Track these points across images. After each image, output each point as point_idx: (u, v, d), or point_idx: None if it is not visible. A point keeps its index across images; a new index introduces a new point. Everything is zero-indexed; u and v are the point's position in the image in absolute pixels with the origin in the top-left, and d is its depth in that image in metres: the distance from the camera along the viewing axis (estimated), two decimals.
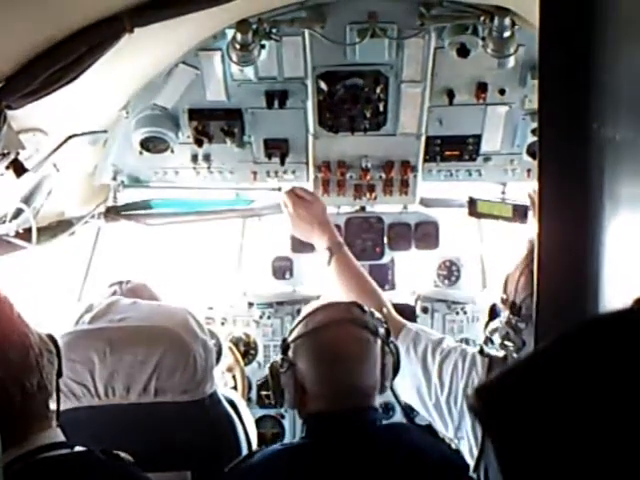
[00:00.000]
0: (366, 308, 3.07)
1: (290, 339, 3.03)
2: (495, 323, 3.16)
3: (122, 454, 2.52)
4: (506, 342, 3.07)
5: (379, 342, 2.97)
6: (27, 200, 3.50)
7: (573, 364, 1.05)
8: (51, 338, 2.43)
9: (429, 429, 3.07)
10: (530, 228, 4.25)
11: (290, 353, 3.00)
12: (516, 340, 3.03)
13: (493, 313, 3.19)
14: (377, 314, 3.08)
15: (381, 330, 3.01)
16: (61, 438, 2.39)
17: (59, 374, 2.43)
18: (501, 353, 3.11)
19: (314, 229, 4.01)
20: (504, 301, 3.14)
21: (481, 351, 3.22)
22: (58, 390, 2.43)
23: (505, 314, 3.12)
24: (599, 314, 1.19)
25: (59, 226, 4.11)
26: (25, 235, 3.61)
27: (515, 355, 3.07)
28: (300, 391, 2.97)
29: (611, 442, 1.00)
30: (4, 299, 2.28)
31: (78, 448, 2.40)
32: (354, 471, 2.77)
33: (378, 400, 3.00)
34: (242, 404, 3.67)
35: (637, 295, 1.10)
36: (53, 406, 2.42)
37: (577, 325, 1.10)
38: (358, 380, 2.92)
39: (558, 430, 1.04)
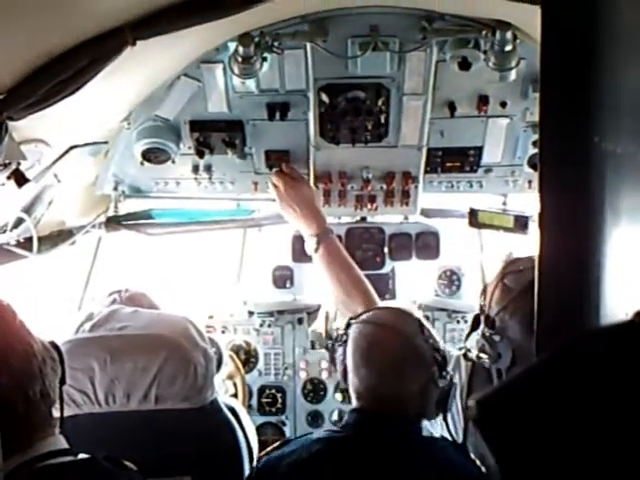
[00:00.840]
0: (428, 331, 3.14)
1: (353, 320, 3.19)
2: (474, 335, 3.18)
3: (126, 462, 2.53)
4: (481, 354, 3.09)
5: (422, 366, 3.03)
6: (28, 210, 3.51)
7: (571, 378, 1.05)
8: (54, 346, 2.43)
9: (460, 447, 3.08)
10: (531, 239, 4.27)
11: (349, 331, 3.14)
12: (491, 353, 3.05)
13: (476, 324, 3.20)
14: (440, 344, 3.14)
15: (428, 356, 3.05)
16: (64, 445, 2.40)
17: (62, 382, 2.43)
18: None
19: (303, 212, 4.11)
20: (481, 313, 3.17)
21: (465, 355, 3.23)
22: (62, 398, 2.43)
23: (481, 326, 3.14)
24: (599, 327, 1.18)
25: (60, 236, 4.12)
26: (26, 244, 3.62)
27: (489, 366, 3.10)
28: (344, 370, 3.13)
29: (607, 453, 1.00)
30: (7, 307, 2.28)
31: (82, 455, 2.41)
32: (385, 474, 2.83)
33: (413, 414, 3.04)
34: (243, 411, 3.68)
35: (638, 307, 1.10)
36: (56, 414, 2.42)
37: (576, 338, 1.11)
38: (387, 392, 2.99)
39: (556, 442, 1.05)
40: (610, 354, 1.03)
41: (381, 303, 3.76)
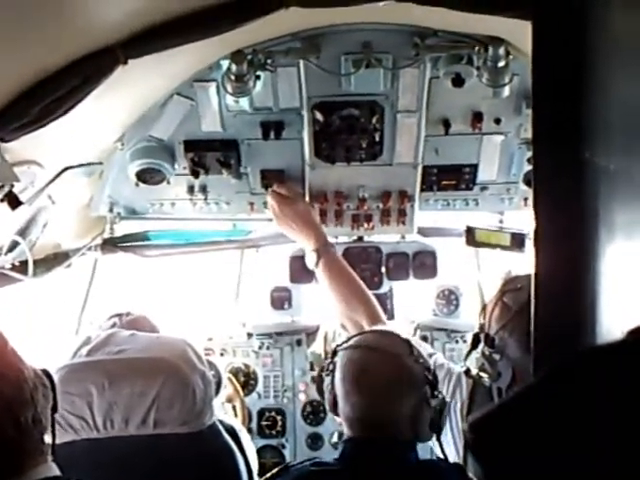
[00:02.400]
0: (418, 351, 3.08)
1: (339, 347, 3.13)
2: (474, 353, 3.16)
3: None
4: (481, 373, 3.07)
5: (414, 387, 2.97)
6: (22, 233, 3.49)
7: (563, 400, 1.04)
8: (46, 373, 2.41)
9: (459, 468, 3.06)
10: (528, 256, 4.26)
11: (336, 359, 3.08)
12: (491, 372, 3.03)
13: (475, 342, 3.18)
14: (429, 363, 3.11)
15: (419, 377, 3.00)
16: (56, 473, 2.36)
17: (54, 409, 2.41)
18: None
19: (300, 228, 4.12)
20: (481, 331, 3.15)
21: (467, 372, 3.21)
22: (53, 425, 2.41)
23: (481, 345, 3.12)
24: (591, 347, 1.17)
25: (55, 258, 4.09)
26: (21, 268, 3.60)
27: (490, 385, 3.07)
28: (333, 399, 3.07)
29: (602, 475, 0.98)
30: None
31: None
32: None
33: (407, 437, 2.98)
34: (243, 432, 3.65)
35: (630, 326, 1.09)
36: (48, 440, 2.39)
37: (567, 360, 1.09)
38: (379, 415, 2.94)
39: (550, 464, 1.03)
40: (603, 375, 1.02)
41: (369, 327, 3.71)
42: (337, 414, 3.07)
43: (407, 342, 3.08)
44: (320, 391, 3.23)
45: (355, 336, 3.21)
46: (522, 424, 1.08)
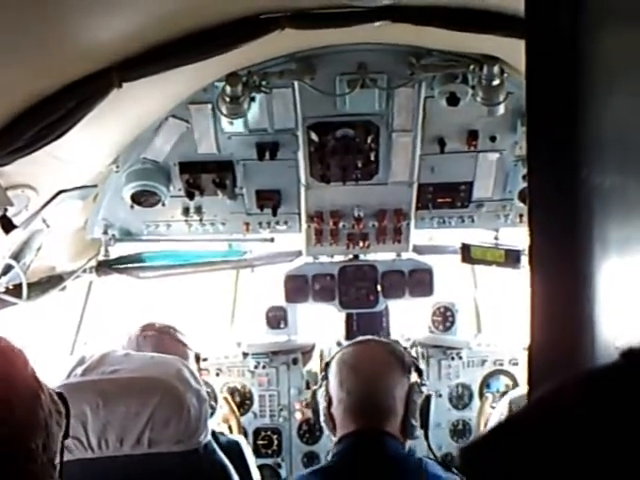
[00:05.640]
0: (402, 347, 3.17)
1: (332, 359, 3.17)
2: None
3: None
4: None
5: (405, 374, 3.03)
6: (17, 256, 3.47)
7: (554, 426, 1.03)
8: (62, 398, 2.38)
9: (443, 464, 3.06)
10: (523, 273, 4.25)
11: (329, 368, 3.12)
12: None
13: None
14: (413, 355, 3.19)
15: (410, 365, 3.07)
16: None
17: (65, 435, 2.39)
18: None
19: None
20: None
21: None
22: (62, 450, 2.39)
23: None
24: (581, 372, 1.16)
25: (50, 281, 4.08)
26: (15, 291, 3.58)
27: None
28: (328, 403, 3.07)
29: None
30: (19, 354, 2.23)
31: None
32: None
33: (398, 430, 2.99)
34: (247, 449, 3.64)
35: (622, 348, 1.08)
36: (57, 463, 2.38)
37: (558, 385, 1.08)
38: (375, 395, 2.96)
39: None
40: (594, 401, 1.01)
41: None
42: (333, 422, 3.07)
43: (393, 340, 3.16)
44: (314, 408, 3.21)
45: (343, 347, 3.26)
46: (514, 450, 1.06)
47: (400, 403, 2.97)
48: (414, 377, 3.05)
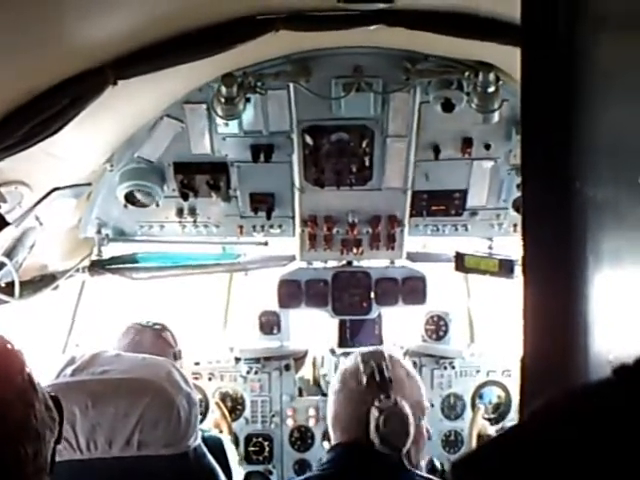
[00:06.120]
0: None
1: None
2: None
3: None
4: None
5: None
6: (9, 254, 3.47)
7: (547, 441, 1.02)
8: (56, 402, 2.37)
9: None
10: (517, 283, 4.25)
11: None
12: None
13: None
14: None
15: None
16: None
17: (58, 441, 2.37)
18: None
19: None
20: None
21: None
22: (54, 456, 2.37)
23: None
24: (574, 387, 1.16)
25: (42, 280, 4.07)
26: (7, 289, 3.57)
27: None
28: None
29: None
30: (14, 357, 2.18)
31: None
32: None
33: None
34: (232, 448, 3.64)
35: (614, 364, 1.07)
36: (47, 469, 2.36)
37: (551, 401, 1.08)
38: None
39: None
40: (584, 418, 1.01)
41: None
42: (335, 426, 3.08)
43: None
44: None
45: None
46: (505, 466, 1.06)
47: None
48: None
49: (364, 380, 2.91)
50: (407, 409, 2.86)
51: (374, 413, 2.83)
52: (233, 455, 3.65)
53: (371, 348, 3.15)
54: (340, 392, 3.01)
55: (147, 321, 3.77)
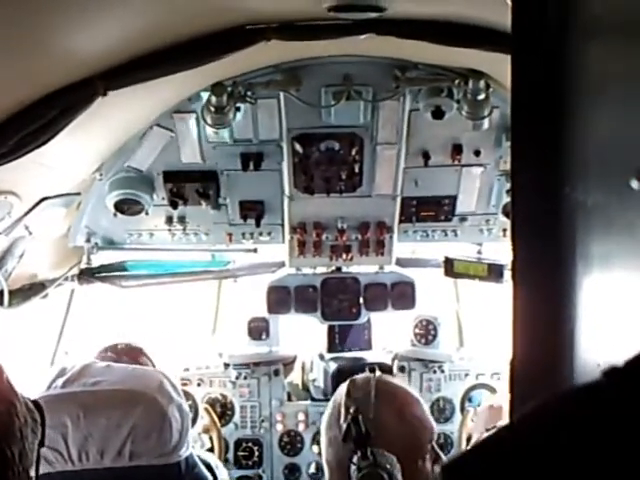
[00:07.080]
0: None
1: None
2: None
3: None
4: None
5: None
6: None
7: (536, 445, 1.02)
8: (37, 406, 2.37)
9: None
10: (506, 287, 4.26)
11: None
12: None
13: None
14: None
15: None
16: None
17: (41, 444, 2.37)
18: None
19: None
20: None
21: None
22: (38, 459, 2.37)
23: None
24: (564, 390, 1.16)
25: (32, 289, 4.05)
26: None
27: None
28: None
29: None
30: None
31: None
32: None
33: None
34: (220, 467, 3.62)
35: (604, 366, 1.08)
36: (32, 474, 2.36)
37: (540, 404, 1.08)
38: None
39: None
40: (574, 420, 1.01)
41: None
42: None
43: None
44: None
45: None
46: (495, 470, 1.06)
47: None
48: None
49: (343, 430, 2.72)
50: (390, 463, 2.65)
51: (353, 468, 2.66)
52: (225, 475, 3.63)
53: (363, 375, 2.92)
54: (325, 435, 2.86)
55: (124, 343, 3.70)
